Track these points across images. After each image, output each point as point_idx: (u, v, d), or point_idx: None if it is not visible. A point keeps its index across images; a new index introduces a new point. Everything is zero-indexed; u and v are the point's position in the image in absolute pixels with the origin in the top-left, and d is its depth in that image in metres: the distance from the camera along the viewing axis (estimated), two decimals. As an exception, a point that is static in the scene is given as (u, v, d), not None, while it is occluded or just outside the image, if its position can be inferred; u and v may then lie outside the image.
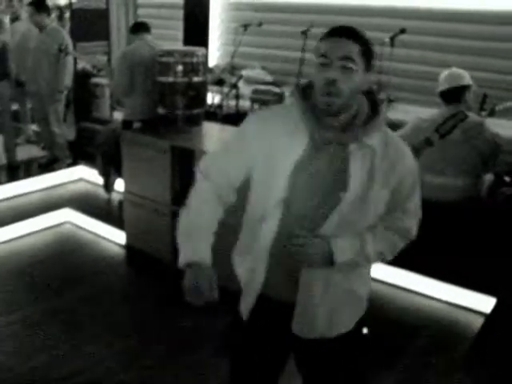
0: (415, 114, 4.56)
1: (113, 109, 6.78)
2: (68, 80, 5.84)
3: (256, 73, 6.58)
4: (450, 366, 3.15)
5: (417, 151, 3.71)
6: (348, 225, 1.73)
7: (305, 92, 1.75)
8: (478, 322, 3.44)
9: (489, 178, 3.87)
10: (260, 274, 1.83)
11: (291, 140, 1.70)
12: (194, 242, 1.83)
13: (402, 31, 4.58)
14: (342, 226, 1.71)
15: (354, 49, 1.60)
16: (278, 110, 1.89)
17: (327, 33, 1.65)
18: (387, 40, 4.55)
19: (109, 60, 6.86)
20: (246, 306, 1.93)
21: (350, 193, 1.67)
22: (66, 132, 6.08)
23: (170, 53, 4.11)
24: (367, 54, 1.64)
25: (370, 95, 1.75)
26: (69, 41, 5.75)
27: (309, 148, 1.70)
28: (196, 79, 4.17)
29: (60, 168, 5.94)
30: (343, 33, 1.62)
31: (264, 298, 1.86)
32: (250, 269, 1.89)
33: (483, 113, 4.03)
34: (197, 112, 4.26)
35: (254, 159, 1.78)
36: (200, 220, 1.85)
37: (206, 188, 1.86)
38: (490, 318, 3.37)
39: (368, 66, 1.65)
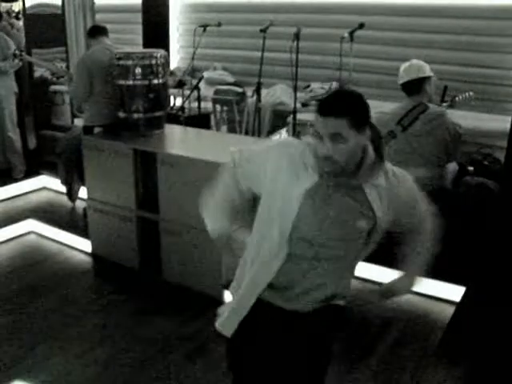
0: (377, 109, 4.59)
1: (74, 116, 6.65)
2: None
3: (217, 74, 6.54)
4: (424, 355, 3.17)
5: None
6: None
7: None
8: (449, 310, 3.46)
9: (452, 167, 3.90)
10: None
11: (300, 177, 1.83)
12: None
13: (361, 26, 4.58)
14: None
15: (341, 124, 1.69)
16: (295, 148, 1.92)
17: (318, 109, 1.74)
18: (346, 35, 4.55)
19: (67, 67, 6.72)
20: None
21: (379, 219, 1.85)
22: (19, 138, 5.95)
23: (128, 55, 4.04)
24: (357, 122, 1.71)
25: (374, 142, 1.85)
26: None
27: (317, 186, 1.82)
28: (156, 81, 4.11)
29: (18, 176, 5.81)
30: (330, 111, 1.70)
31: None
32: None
33: (444, 104, 4.06)
34: (158, 115, 4.20)
35: (263, 186, 1.93)
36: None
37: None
38: (460, 307, 3.40)
39: (360, 130, 1.73)
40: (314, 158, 1.81)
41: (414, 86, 3.68)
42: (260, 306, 1.95)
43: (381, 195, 1.85)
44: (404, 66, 3.77)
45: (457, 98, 4.04)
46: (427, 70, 3.71)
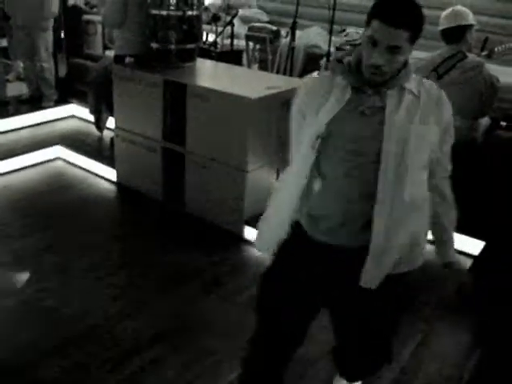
0: (413, 57, 4.48)
1: (105, 47, 6.62)
2: (55, 7, 5.69)
3: (252, 12, 6.44)
4: (439, 304, 3.20)
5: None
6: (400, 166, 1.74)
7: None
8: (466, 263, 3.46)
9: (485, 121, 3.83)
10: None
11: (333, 94, 1.75)
12: None
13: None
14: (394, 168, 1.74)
15: (403, 36, 1.61)
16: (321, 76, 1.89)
17: (380, 13, 1.63)
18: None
19: (102, -6, 6.65)
20: None
21: (387, 126, 1.70)
22: (53, 68, 5.95)
23: (163, -16, 3.98)
24: (415, 36, 1.65)
25: None
26: None
27: (350, 98, 1.74)
28: (190, 13, 4.05)
29: (48, 104, 5.84)
30: (396, 21, 1.61)
31: None
32: None
33: (483, 53, 3.94)
34: (190, 47, 4.16)
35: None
36: None
37: None
38: (479, 260, 3.39)
39: (413, 43, 1.67)
40: (344, 71, 1.76)
41: (455, 34, 3.57)
42: (301, 239, 1.91)
43: (409, 100, 1.74)
44: (446, 11, 3.65)
45: (496, 49, 3.91)
46: (470, 18, 3.58)
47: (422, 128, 1.73)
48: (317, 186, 1.81)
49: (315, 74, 1.96)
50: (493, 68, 3.81)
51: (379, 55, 1.64)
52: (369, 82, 1.73)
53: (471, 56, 3.58)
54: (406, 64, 1.74)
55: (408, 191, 1.77)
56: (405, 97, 1.74)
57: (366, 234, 1.78)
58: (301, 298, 1.98)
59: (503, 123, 3.94)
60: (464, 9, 3.62)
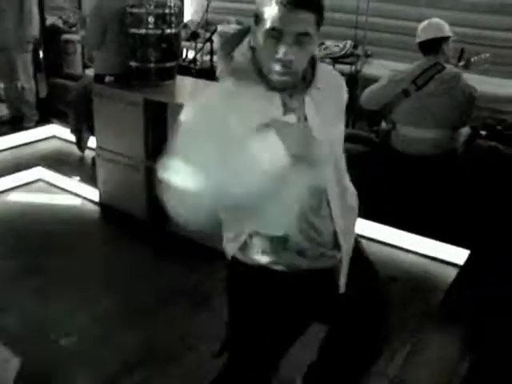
0: (392, 69, 4.53)
1: (85, 66, 6.60)
2: (35, 30, 5.67)
3: (231, 28, 6.44)
4: (424, 315, 3.19)
5: (393, 103, 3.71)
6: None
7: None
8: (451, 272, 3.48)
9: (465, 131, 3.86)
10: None
11: (268, 109, 1.46)
12: None
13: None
14: None
15: (310, 20, 1.39)
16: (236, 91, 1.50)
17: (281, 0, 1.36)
18: (365, -7, 4.46)
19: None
20: None
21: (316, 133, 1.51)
22: (33, 88, 5.92)
23: (140, 3, 3.98)
24: (321, 19, 1.43)
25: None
26: None
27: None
28: (169, 31, 4.06)
29: (29, 125, 5.80)
30: (299, 1, 1.36)
31: None
32: None
33: (460, 64, 3.99)
34: (170, 65, 4.16)
35: None
36: None
37: None
38: (463, 270, 3.41)
39: (319, 29, 1.44)
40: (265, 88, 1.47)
41: (432, 46, 3.61)
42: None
43: (316, 102, 1.54)
44: (423, 24, 3.70)
45: (472, 59, 3.96)
46: (446, 30, 3.64)
47: (337, 128, 1.64)
48: None
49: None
50: (470, 77, 3.86)
51: (287, 48, 1.39)
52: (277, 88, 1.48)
53: (449, 67, 3.63)
54: (314, 61, 1.56)
55: (348, 195, 1.71)
56: (316, 97, 1.55)
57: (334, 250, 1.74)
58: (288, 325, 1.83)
59: (483, 132, 3.98)
60: (440, 21, 3.68)
